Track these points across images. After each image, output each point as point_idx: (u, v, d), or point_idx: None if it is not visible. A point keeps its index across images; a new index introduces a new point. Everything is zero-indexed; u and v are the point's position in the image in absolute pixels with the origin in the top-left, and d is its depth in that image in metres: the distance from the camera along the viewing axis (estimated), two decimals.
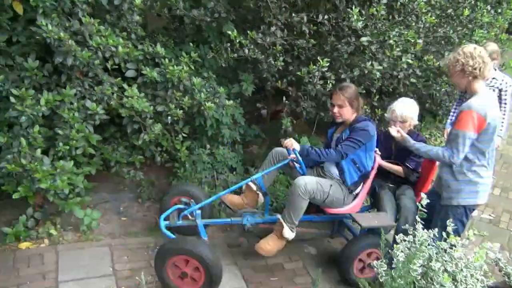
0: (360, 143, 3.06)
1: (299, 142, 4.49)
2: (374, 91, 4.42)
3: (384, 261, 1.88)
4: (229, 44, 3.83)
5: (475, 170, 2.58)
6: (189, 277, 2.69)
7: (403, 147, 3.05)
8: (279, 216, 3.09)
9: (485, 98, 2.55)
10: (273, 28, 3.81)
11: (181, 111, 3.43)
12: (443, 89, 4.84)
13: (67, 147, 3.00)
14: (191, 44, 3.97)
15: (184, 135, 3.73)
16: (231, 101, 3.74)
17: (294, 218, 2.97)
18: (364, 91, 4.46)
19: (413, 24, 4.02)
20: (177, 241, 2.76)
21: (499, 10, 4.85)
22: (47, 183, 2.79)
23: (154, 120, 3.40)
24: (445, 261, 1.73)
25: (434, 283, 1.65)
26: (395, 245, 1.84)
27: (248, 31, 3.72)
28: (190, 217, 3.08)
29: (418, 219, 1.94)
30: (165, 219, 3.02)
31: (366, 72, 3.86)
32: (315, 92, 4.00)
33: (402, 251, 1.81)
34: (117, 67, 3.33)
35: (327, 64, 3.64)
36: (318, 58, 3.69)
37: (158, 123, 3.36)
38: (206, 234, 2.99)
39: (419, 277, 1.71)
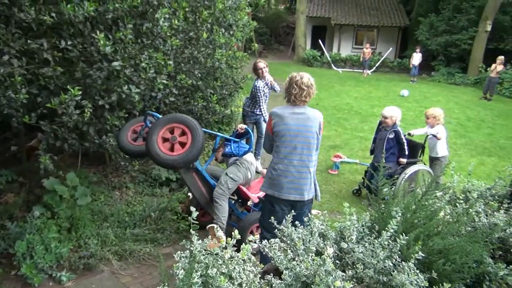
0: None
1: (65, 179, 4.07)
2: (137, 113, 4.43)
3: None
4: None
5: None
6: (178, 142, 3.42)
7: None
8: None
9: None
10: (6, 57, 3.29)
11: None
12: (199, 104, 5.27)
13: None
14: None
15: None
16: None
17: None
18: (127, 115, 4.42)
19: (161, 47, 4.21)
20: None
21: (232, 32, 5.64)
22: None
23: None
24: (220, 264, 1.88)
25: None
26: (174, 265, 1.88)
27: None
28: None
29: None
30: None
31: (124, 96, 3.81)
32: (74, 123, 3.69)
33: (182, 268, 1.86)
34: None
35: (80, 93, 3.40)
36: (69, 86, 3.41)
37: None
38: None
39: None
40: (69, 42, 3.57)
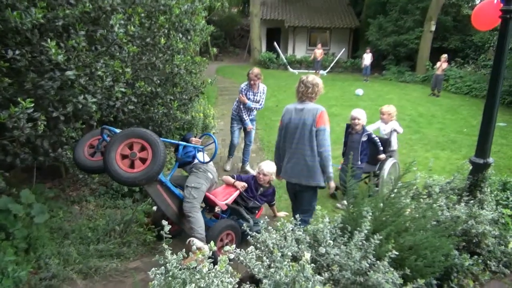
0: None
1: (18, 197, 3.82)
2: (95, 123, 4.24)
3: None
4: None
5: None
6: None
7: None
8: None
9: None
10: None
11: None
12: (160, 111, 5.13)
13: None
14: None
15: None
16: None
17: None
18: (84, 126, 4.22)
19: (118, 54, 4.06)
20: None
21: (189, 37, 5.54)
22: None
23: None
24: (198, 279, 1.82)
25: None
26: (150, 283, 1.79)
27: None
28: None
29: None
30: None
31: (80, 106, 3.62)
32: (26, 137, 3.46)
33: (158, 286, 1.78)
34: None
35: (32, 105, 3.19)
36: (19, 98, 3.19)
37: None
38: None
39: None
40: (16, 52, 3.35)
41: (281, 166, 3.83)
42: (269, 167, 4.43)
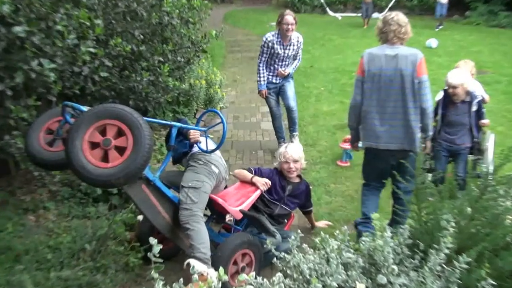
0: None
1: None
2: (55, 98, 4.28)
3: None
4: None
5: None
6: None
7: None
8: None
9: None
10: None
11: None
12: (145, 79, 5.15)
13: None
14: None
15: None
16: None
17: None
18: (40, 102, 4.26)
19: (84, 0, 4.07)
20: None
21: None
22: None
23: None
24: None
25: None
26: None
27: None
28: None
29: None
30: None
31: (34, 75, 3.66)
32: None
33: None
34: None
35: None
36: None
37: None
38: None
39: None
40: None
41: (358, 131, 4.28)
42: (298, 150, 4.44)
